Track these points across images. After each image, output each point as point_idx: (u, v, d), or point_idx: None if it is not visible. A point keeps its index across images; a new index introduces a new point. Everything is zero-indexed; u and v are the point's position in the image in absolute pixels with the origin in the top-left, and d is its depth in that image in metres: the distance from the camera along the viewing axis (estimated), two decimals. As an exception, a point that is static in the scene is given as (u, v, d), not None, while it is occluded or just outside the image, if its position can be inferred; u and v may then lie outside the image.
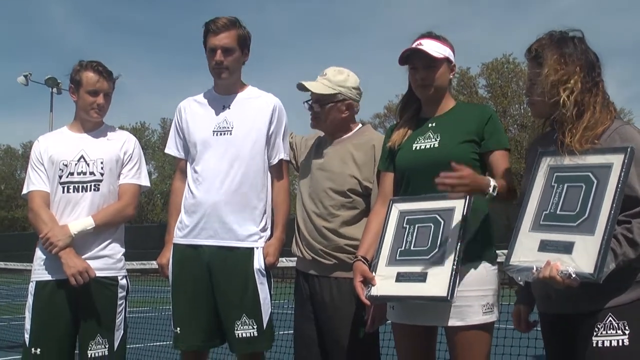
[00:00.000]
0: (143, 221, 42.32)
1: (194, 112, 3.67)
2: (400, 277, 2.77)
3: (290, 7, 78.65)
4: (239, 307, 3.47)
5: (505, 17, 66.44)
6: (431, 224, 2.80)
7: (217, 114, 3.60)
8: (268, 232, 3.62)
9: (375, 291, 2.82)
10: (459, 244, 2.70)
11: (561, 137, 2.51)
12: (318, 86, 3.47)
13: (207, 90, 3.73)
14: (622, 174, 2.30)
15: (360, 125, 3.60)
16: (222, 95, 3.65)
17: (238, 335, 3.45)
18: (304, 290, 3.48)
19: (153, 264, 7.76)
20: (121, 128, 3.98)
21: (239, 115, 3.58)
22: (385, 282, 2.79)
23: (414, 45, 2.97)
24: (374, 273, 2.83)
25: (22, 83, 32.98)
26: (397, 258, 2.82)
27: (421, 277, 2.72)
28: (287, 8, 78.95)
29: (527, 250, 2.42)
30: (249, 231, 3.53)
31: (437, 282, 2.67)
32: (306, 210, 3.46)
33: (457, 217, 2.75)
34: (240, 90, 3.66)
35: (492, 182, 2.68)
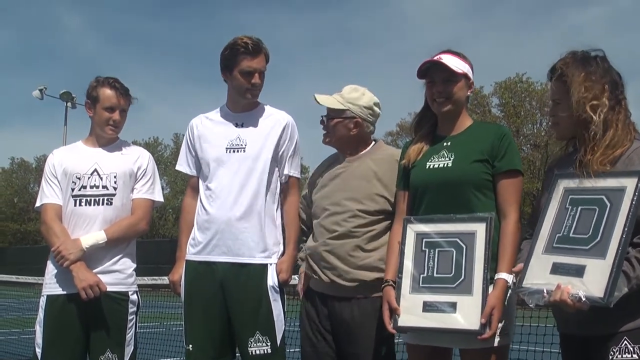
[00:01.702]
0: (155, 236, 42.39)
1: (207, 129, 3.67)
2: (427, 307, 2.74)
3: (301, 21, 79.06)
4: (252, 324, 3.44)
5: (518, 35, 66.51)
6: (453, 249, 2.77)
7: (230, 131, 3.61)
8: (281, 248, 3.59)
9: (403, 322, 2.79)
10: (486, 271, 2.68)
11: (582, 156, 2.51)
12: (328, 100, 3.45)
13: (220, 107, 3.73)
14: (635, 198, 2.30)
15: (373, 142, 3.54)
16: (235, 112, 3.65)
17: (252, 352, 3.42)
18: (319, 309, 3.37)
19: (164, 280, 7.75)
20: (134, 143, 3.99)
21: (252, 132, 3.58)
22: (412, 311, 2.76)
23: (434, 58, 2.96)
24: (398, 302, 2.80)
25: (37, 97, 33.24)
26: (421, 285, 2.79)
27: (451, 308, 2.69)
28: (298, 22, 79.36)
29: (539, 273, 2.43)
30: (262, 247, 3.51)
31: (468, 313, 2.65)
32: (326, 232, 3.33)
33: (480, 242, 2.72)
34: (254, 107, 3.67)
35: (508, 278, 2.70)
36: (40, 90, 33.10)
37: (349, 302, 3.26)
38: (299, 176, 3.71)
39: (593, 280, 2.27)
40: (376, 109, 3.48)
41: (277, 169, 3.62)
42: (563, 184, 2.53)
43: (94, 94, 3.69)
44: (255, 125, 3.61)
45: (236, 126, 3.61)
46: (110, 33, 79.85)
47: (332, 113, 3.45)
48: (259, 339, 3.43)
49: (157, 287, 8.85)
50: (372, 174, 3.35)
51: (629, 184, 2.33)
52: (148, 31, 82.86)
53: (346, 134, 3.44)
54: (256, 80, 3.53)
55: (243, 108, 3.64)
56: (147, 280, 7.35)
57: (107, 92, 3.67)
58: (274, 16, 76.12)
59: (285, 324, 3.53)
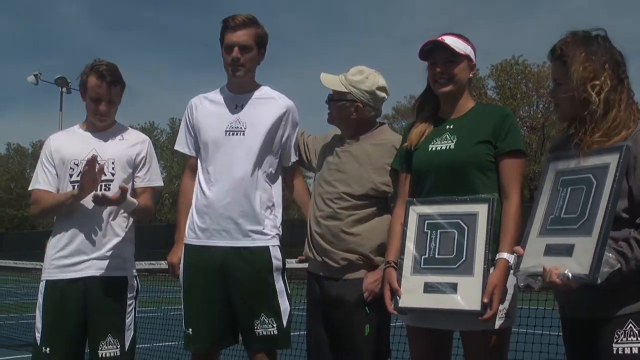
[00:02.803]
0: (151, 221, 42.38)
1: (206, 110, 3.62)
2: (429, 288, 2.73)
3: (300, 4, 78.57)
4: (257, 306, 3.44)
5: (515, 17, 66.34)
6: (454, 230, 2.76)
7: (230, 113, 3.56)
8: (280, 230, 3.60)
9: (403, 302, 2.79)
10: (487, 251, 2.67)
11: (581, 136, 2.49)
12: (331, 80, 3.44)
13: (220, 88, 3.68)
14: (617, 174, 2.31)
15: (378, 123, 3.53)
16: (235, 94, 3.60)
17: (258, 333, 3.43)
18: (315, 291, 3.45)
19: (161, 264, 7.75)
20: (131, 127, 3.94)
21: (252, 115, 3.54)
22: (413, 293, 2.76)
23: (436, 39, 2.94)
24: (399, 283, 2.80)
25: (32, 82, 33.11)
26: (423, 266, 2.78)
27: (451, 289, 2.69)
28: (297, 6, 78.84)
29: (534, 256, 2.44)
30: (263, 230, 3.50)
31: (469, 294, 2.65)
32: (317, 210, 3.41)
33: (481, 223, 2.72)
34: (254, 90, 3.62)
35: (510, 258, 2.69)
36: (35, 76, 32.94)
37: (336, 282, 3.33)
38: (297, 159, 3.73)
39: (580, 257, 2.28)
40: (380, 93, 3.43)
41: (278, 152, 3.60)
42: (554, 167, 2.55)
43: (83, 80, 3.62)
44: (255, 108, 3.56)
45: (236, 108, 3.56)
46: (107, 18, 79.47)
47: (336, 95, 3.44)
48: (264, 320, 3.43)
49: (154, 271, 8.85)
50: (366, 158, 3.36)
51: (612, 160, 2.34)
52: (145, 16, 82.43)
53: (347, 116, 3.43)
54: (235, 54, 3.46)
55: (241, 89, 3.60)
56: (144, 264, 7.35)
57: (93, 82, 3.57)
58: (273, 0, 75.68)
59: (290, 306, 3.54)
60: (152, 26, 79.36)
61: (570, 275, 2.28)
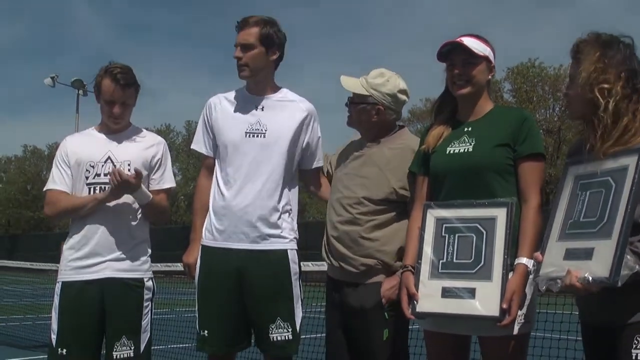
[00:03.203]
0: (167, 223, 42.48)
1: (226, 111, 3.58)
2: (447, 293, 2.70)
3: (314, 7, 78.53)
4: (274, 310, 3.42)
5: (532, 19, 66.01)
6: (473, 234, 2.73)
7: (249, 114, 3.53)
8: (297, 234, 3.58)
9: (421, 307, 2.76)
10: (506, 256, 2.64)
11: (592, 140, 2.46)
12: (352, 83, 3.41)
13: (239, 89, 3.65)
14: (636, 175, 2.28)
15: (398, 127, 3.50)
16: (255, 95, 3.57)
17: (273, 338, 3.41)
18: (333, 297, 3.43)
19: (177, 266, 7.78)
20: (146, 129, 3.95)
21: (272, 117, 3.51)
22: (431, 297, 2.73)
23: (455, 40, 2.91)
24: (417, 287, 2.78)
25: (49, 85, 33.37)
26: (440, 271, 2.75)
27: (469, 294, 2.66)
28: (311, 8, 78.80)
29: (554, 260, 2.43)
30: (281, 234, 3.48)
31: (487, 299, 2.62)
32: (336, 215, 3.38)
33: (500, 227, 2.68)
34: (273, 92, 3.59)
35: (529, 263, 2.66)
36: (52, 78, 33.21)
37: (355, 288, 3.30)
38: (322, 165, 3.72)
39: (601, 261, 2.26)
40: (401, 96, 3.41)
41: (296, 156, 3.56)
42: (573, 171, 2.54)
43: (97, 83, 3.64)
44: (276, 110, 3.53)
45: (256, 109, 3.53)
46: (123, 20, 79.94)
47: (356, 97, 3.41)
48: (280, 324, 3.41)
49: (170, 273, 8.87)
50: (386, 162, 3.33)
51: (631, 162, 2.32)
52: (161, 19, 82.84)
53: (367, 120, 3.40)
54: (236, 54, 3.46)
55: (261, 90, 3.56)
56: (160, 266, 7.37)
57: (106, 85, 3.58)
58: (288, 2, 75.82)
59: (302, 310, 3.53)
60: (168, 28, 79.88)
61: (590, 278, 2.26)
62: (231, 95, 3.63)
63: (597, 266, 2.27)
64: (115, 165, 3.57)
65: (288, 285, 3.45)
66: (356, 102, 3.41)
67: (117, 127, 3.70)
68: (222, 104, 3.61)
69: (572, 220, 2.44)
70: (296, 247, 3.55)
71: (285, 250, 3.48)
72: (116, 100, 3.60)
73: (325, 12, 79.80)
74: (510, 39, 61.70)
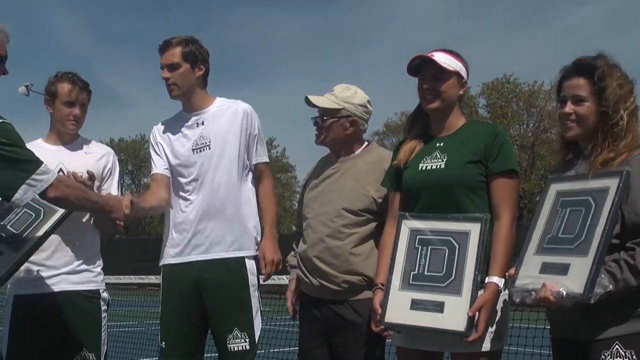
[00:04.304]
0: (140, 234, 42.20)
1: (169, 135, 3.67)
2: (415, 305, 2.70)
3: (291, 19, 78.72)
4: (232, 320, 3.45)
5: (507, 36, 66.79)
6: (445, 248, 2.72)
7: (191, 131, 3.61)
8: (258, 240, 3.60)
9: (389, 318, 2.75)
10: (476, 272, 2.65)
11: (596, 153, 2.52)
12: (322, 100, 3.40)
13: (177, 113, 3.74)
14: (616, 198, 2.35)
15: (366, 143, 3.51)
16: (193, 113, 3.65)
17: (231, 349, 3.44)
18: (314, 314, 3.33)
19: (151, 278, 7.71)
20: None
21: (213, 128, 3.59)
22: (400, 309, 2.73)
23: (424, 54, 2.93)
24: (385, 298, 2.77)
25: (23, 93, 32.89)
26: (411, 282, 2.75)
27: (438, 307, 2.65)
28: (289, 20, 79.05)
29: (530, 273, 2.48)
30: (240, 242, 3.52)
31: (455, 314, 2.62)
32: (313, 233, 3.32)
33: (473, 242, 2.68)
34: (209, 104, 3.67)
35: (499, 282, 2.68)
36: (27, 87, 32.75)
37: (340, 305, 3.24)
38: (267, 160, 3.72)
39: (576, 277, 2.32)
40: (369, 106, 3.45)
41: (245, 159, 3.61)
42: (555, 187, 2.58)
43: (52, 89, 3.59)
44: (214, 120, 3.61)
45: (197, 126, 3.61)
46: (99, 29, 79.39)
47: (327, 113, 3.39)
48: (237, 335, 3.44)
49: (144, 285, 8.78)
50: (362, 175, 3.32)
51: (612, 184, 2.37)
52: (138, 29, 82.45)
53: (341, 133, 3.39)
54: (163, 74, 3.57)
55: (197, 107, 3.64)
56: (133, 279, 7.30)
57: (65, 87, 3.57)
58: (266, 13, 75.97)
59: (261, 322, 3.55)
60: (144, 38, 79.42)
61: (564, 293, 2.31)
62: (170, 120, 3.74)
63: (572, 282, 2.32)
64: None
65: (247, 294, 3.48)
66: (327, 118, 3.39)
67: (75, 130, 3.66)
68: (164, 129, 3.71)
69: (550, 235, 2.49)
70: (255, 255, 3.55)
71: (243, 259, 3.50)
72: (75, 102, 3.59)
73: (300, 23, 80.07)
74: (485, 56, 62.44)
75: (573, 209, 2.46)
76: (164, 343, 3.54)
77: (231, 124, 3.58)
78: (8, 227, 3.12)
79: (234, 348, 3.44)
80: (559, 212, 2.50)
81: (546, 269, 2.42)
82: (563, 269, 2.37)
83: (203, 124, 3.60)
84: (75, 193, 3.04)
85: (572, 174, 2.57)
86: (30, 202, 3.08)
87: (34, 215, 3.19)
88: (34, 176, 2.75)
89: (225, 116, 3.61)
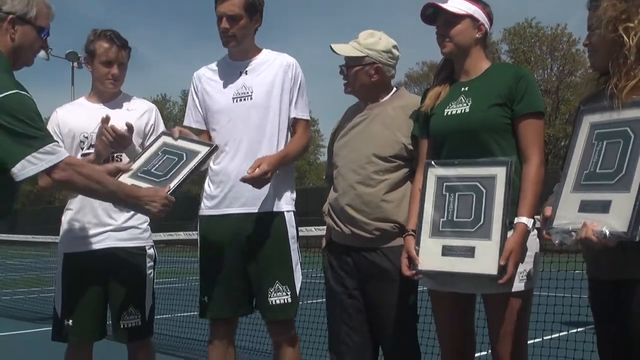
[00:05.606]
0: (167, 193, 42.49)
1: (211, 80, 3.59)
2: (447, 251, 2.72)
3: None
4: (272, 273, 3.43)
5: (528, -20, 64.97)
6: (473, 193, 2.72)
7: (234, 80, 3.53)
8: (294, 195, 3.57)
9: (422, 265, 2.78)
10: (505, 215, 2.64)
11: (614, 84, 2.37)
12: (345, 48, 3.35)
13: (222, 58, 3.65)
14: None
15: (395, 89, 3.46)
16: (237, 61, 3.57)
17: (272, 302, 3.42)
18: (346, 262, 3.32)
19: (180, 235, 7.79)
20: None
21: (256, 79, 3.51)
22: (431, 256, 2.74)
23: (431, 2, 2.91)
24: (417, 246, 2.79)
25: (43, 57, 32.82)
26: (441, 229, 2.76)
27: (469, 252, 2.67)
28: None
29: (568, 212, 2.35)
30: (278, 196, 3.48)
31: (486, 258, 2.63)
32: (343, 181, 3.30)
33: (499, 186, 2.67)
34: (255, 55, 3.58)
35: (528, 222, 2.68)
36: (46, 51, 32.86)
37: (373, 252, 3.23)
38: (307, 118, 3.63)
39: (618, 214, 2.18)
40: (395, 51, 3.38)
41: (287, 113, 3.54)
42: (589, 119, 2.43)
43: (90, 47, 3.59)
44: (259, 71, 3.53)
45: (240, 74, 3.53)
46: (114, -10, 78.79)
47: (351, 61, 3.35)
48: (278, 288, 3.42)
49: (172, 242, 8.89)
50: (391, 120, 3.28)
51: None
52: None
53: (367, 80, 3.34)
54: (223, 25, 3.43)
55: (243, 56, 3.56)
56: (162, 236, 7.38)
57: (103, 46, 3.56)
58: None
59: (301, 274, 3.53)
60: (163, -2, 78.67)
61: (607, 232, 2.19)
62: (214, 65, 3.65)
63: (615, 220, 2.19)
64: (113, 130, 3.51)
65: (287, 247, 3.45)
66: (352, 66, 3.35)
67: (114, 90, 3.67)
68: (207, 75, 3.62)
69: (587, 171, 2.35)
70: (294, 209, 3.54)
71: (282, 213, 3.48)
72: (114, 61, 3.59)
73: (319, -24, 78.58)
74: (506, 0, 61.02)
75: (610, 141, 2.31)
76: (206, 297, 3.50)
77: (275, 76, 3.51)
78: (152, 171, 3.18)
79: (275, 301, 3.41)
80: (595, 145, 2.36)
81: (585, 207, 2.30)
82: (604, 207, 2.23)
83: (246, 74, 3.53)
84: (84, 181, 2.82)
85: (605, 104, 2.39)
86: (168, 148, 3.25)
87: (176, 159, 3.23)
88: (35, 154, 2.66)
89: (270, 68, 3.53)
